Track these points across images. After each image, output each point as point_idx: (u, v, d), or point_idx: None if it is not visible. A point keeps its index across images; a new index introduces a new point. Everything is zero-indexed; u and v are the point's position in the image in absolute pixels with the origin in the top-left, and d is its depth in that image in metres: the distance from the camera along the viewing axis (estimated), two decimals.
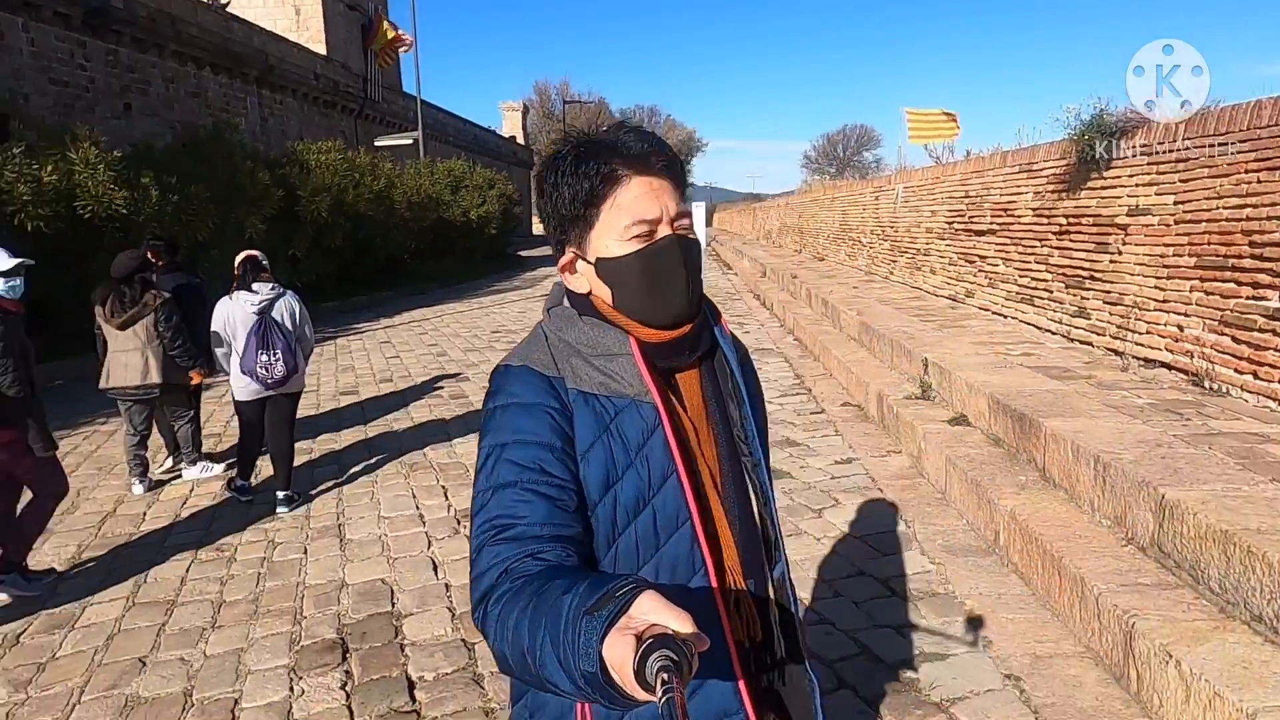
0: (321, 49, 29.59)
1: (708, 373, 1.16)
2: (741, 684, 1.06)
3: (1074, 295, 6.60)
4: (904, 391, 6.28)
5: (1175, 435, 3.86)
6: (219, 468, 5.95)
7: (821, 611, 3.50)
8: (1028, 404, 4.60)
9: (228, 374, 5.20)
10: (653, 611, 0.71)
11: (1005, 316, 7.98)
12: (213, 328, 5.07)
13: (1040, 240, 7.28)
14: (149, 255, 5.92)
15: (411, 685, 3.11)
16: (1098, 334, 6.19)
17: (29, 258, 4.03)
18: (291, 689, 3.14)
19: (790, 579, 1.22)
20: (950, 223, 9.80)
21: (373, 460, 6.14)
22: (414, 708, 2.97)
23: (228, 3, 25.04)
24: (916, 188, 11.49)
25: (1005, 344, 6.62)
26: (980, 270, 8.80)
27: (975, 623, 3.31)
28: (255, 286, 5.03)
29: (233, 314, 4.98)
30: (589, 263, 1.11)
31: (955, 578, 3.73)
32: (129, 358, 5.29)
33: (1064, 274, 6.79)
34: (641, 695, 0.68)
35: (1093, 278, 6.30)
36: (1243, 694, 2.31)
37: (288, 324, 5.07)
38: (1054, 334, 6.90)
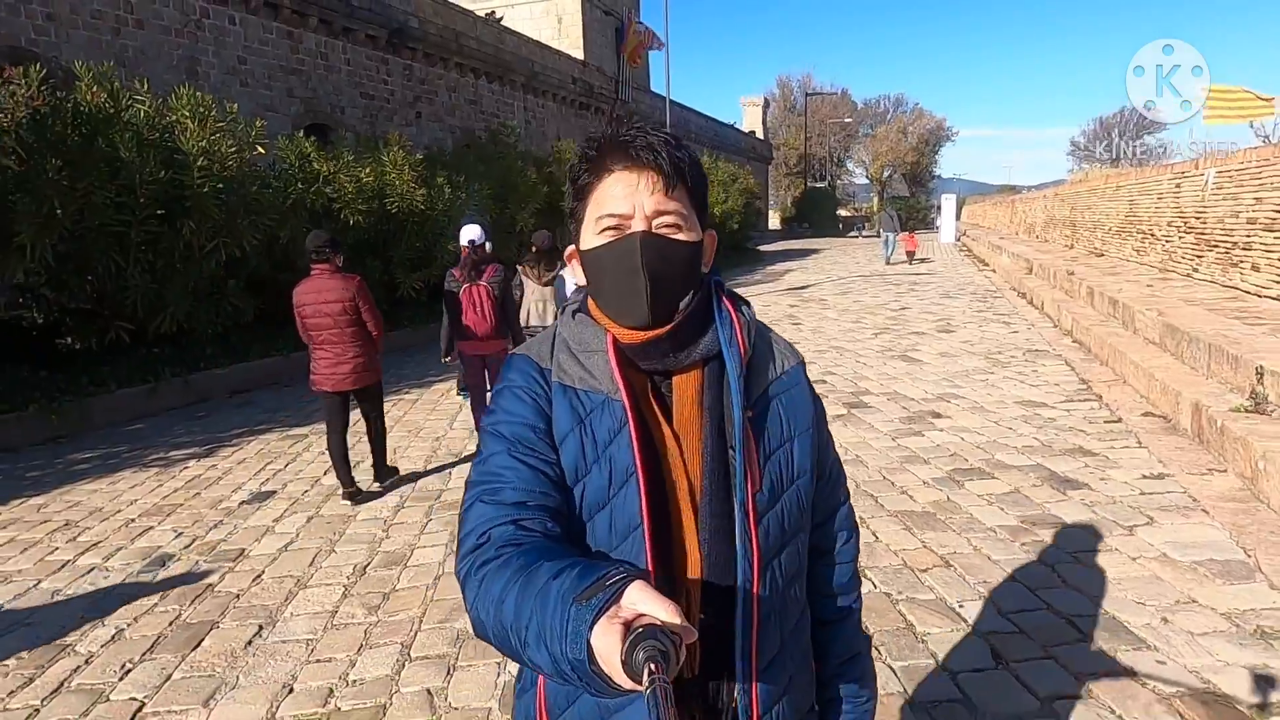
0: (579, 54, 31.44)
1: (711, 380, 1.08)
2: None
3: None
4: (1229, 403, 5.47)
5: None
6: None
7: (1146, 639, 3.15)
8: None
9: None
10: (641, 602, 0.71)
11: None
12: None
13: None
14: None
15: None
16: None
17: (350, 249, 4.98)
18: None
19: (784, 621, 1.11)
20: None
21: None
22: None
23: (502, 16, 27.38)
24: (1234, 172, 9.96)
25: None
26: None
27: None
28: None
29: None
30: (578, 254, 1.12)
31: None
32: (540, 306, 6.82)
33: None
34: (628, 684, 0.67)
35: None
36: None
37: None
38: None
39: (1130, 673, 2.92)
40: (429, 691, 3.09)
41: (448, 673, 3.22)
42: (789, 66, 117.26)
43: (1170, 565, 3.76)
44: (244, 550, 4.61)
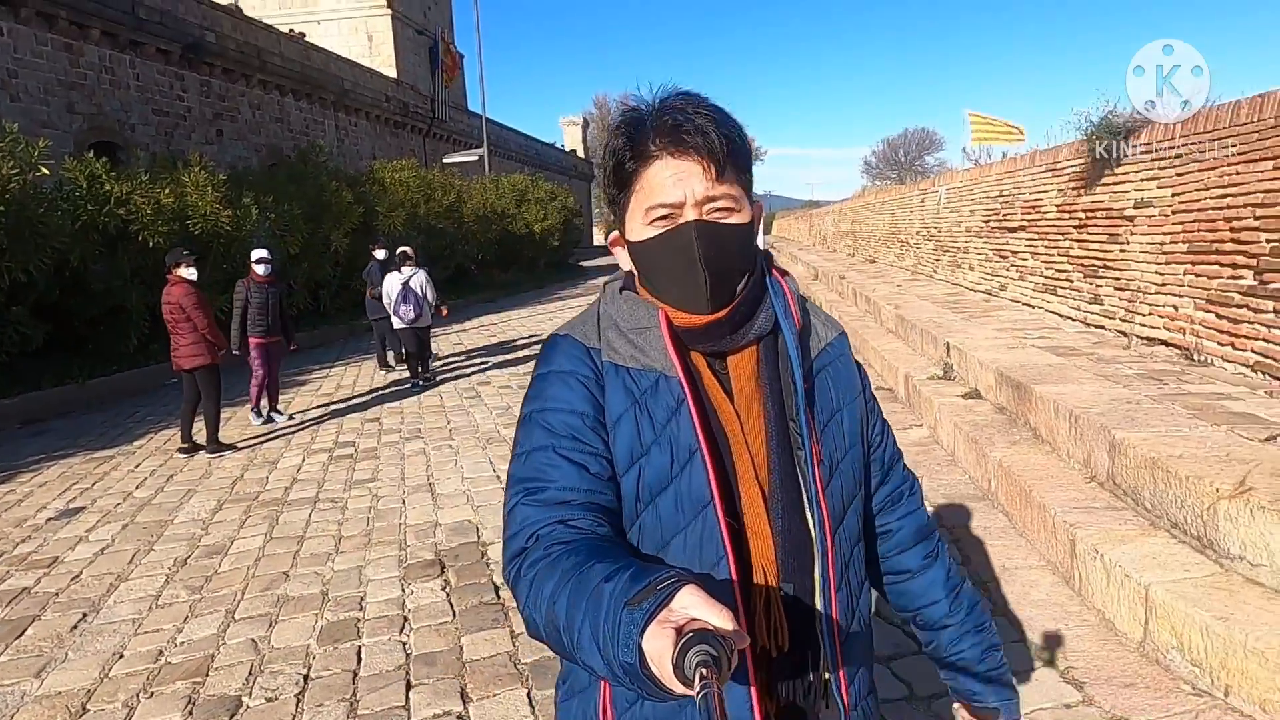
0: (392, 72, 31.22)
1: (767, 356, 1.07)
2: (753, 692, 0.97)
3: (1090, 284, 7.10)
4: (928, 373, 6.87)
5: (1147, 395, 4.43)
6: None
7: None
8: (1026, 375, 5.19)
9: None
10: (694, 606, 0.71)
11: (1033, 307, 8.47)
12: (384, 289, 9.34)
13: (1063, 234, 7.77)
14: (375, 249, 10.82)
15: (497, 588, 3.94)
16: (1109, 318, 6.69)
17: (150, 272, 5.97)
18: (403, 590, 3.99)
19: (854, 589, 1.12)
20: (987, 221, 10.29)
21: (454, 439, 7.05)
22: (499, 602, 3.79)
23: (304, 33, 26.78)
24: (958, 189, 11.97)
25: (1026, 329, 7.16)
26: (1012, 265, 9.28)
27: (959, 547, 3.96)
28: (403, 269, 9.17)
29: (391, 282, 9.17)
30: (625, 242, 1.09)
31: (948, 516, 4.37)
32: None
33: (1082, 264, 7.29)
34: (679, 689, 0.67)
35: (1106, 267, 6.80)
36: (1144, 574, 2.94)
37: (417, 289, 9.11)
38: (1074, 320, 7.39)
39: None
40: (253, 640, 3.58)
41: (270, 625, 3.72)
42: (605, 86, 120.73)
43: None
44: (58, 558, 4.78)
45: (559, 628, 0.83)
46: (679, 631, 0.68)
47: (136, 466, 6.81)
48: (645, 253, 1.04)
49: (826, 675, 1.04)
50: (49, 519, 5.53)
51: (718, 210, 1.01)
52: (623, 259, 1.12)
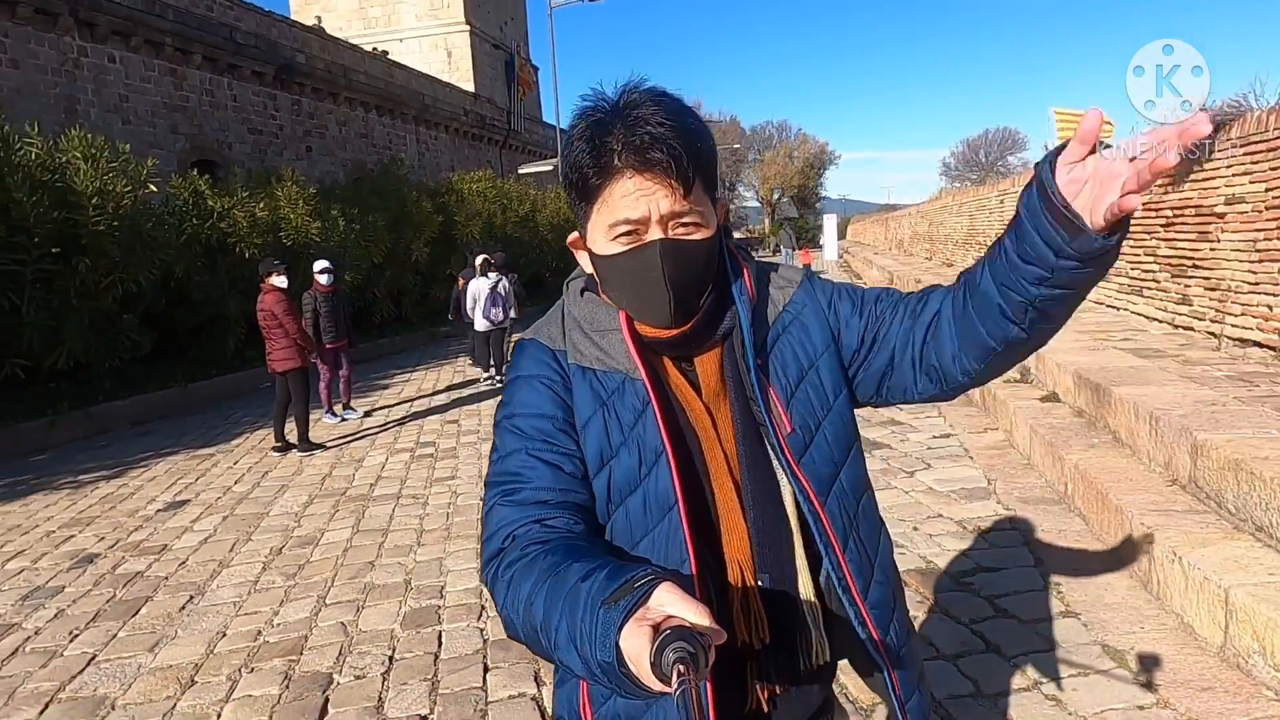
0: (470, 86, 32.14)
1: (729, 350, 1.08)
2: (708, 688, 0.94)
3: (1178, 284, 6.83)
4: (1005, 376, 6.73)
5: (1235, 397, 4.28)
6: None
7: (898, 541, 4.18)
8: (1106, 377, 5.05)
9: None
10: (670, 603, 0.70)
11: (1117, 309, 8.19)
12: (469, 293, 10.04)
13: (1149, 233, 7.50)
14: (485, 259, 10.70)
15: None
16: (1198, 319, 6.43)
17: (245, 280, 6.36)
18: (481, 580, 4.17)
19: (864, 541, 1.09)
20: None
21: None
22: None
23: (386, 51, 27.83)
24: None
25: (1109, 332, 6.94)
26: None
27: (1033, 549, 3.91)
28: (489, 274, 9.91)
29: (478, 287, 9.90)
30: (587, 251, 1.08)
31: (1022, 519, 4.31)
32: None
33: (1170, 264, 7.02)
34: (657, 686, 0.67)
35: (1195, 266, 6.54)
36: (1224, 577, 2.86)
37: (503, 293, 9.96)
38: (1160, 322, 7.12)
39: None
40: (342, 623, 3.81)
41: (357, 610, 3.95)
42: (680, 94, 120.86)
43: (931, 494, 4.86)
44: (166, 545, 5.16)
45: (536, 628, 0.84)
46: (656, 629, 0.69)
47: (235, 464, 7.25)
48: (609, 268, 1.03)
49: (818, 660, 1.04)
50: (158, 510, 5.95)
51: (683, 226, 0.99)
52: (584, 261, 1.11)
